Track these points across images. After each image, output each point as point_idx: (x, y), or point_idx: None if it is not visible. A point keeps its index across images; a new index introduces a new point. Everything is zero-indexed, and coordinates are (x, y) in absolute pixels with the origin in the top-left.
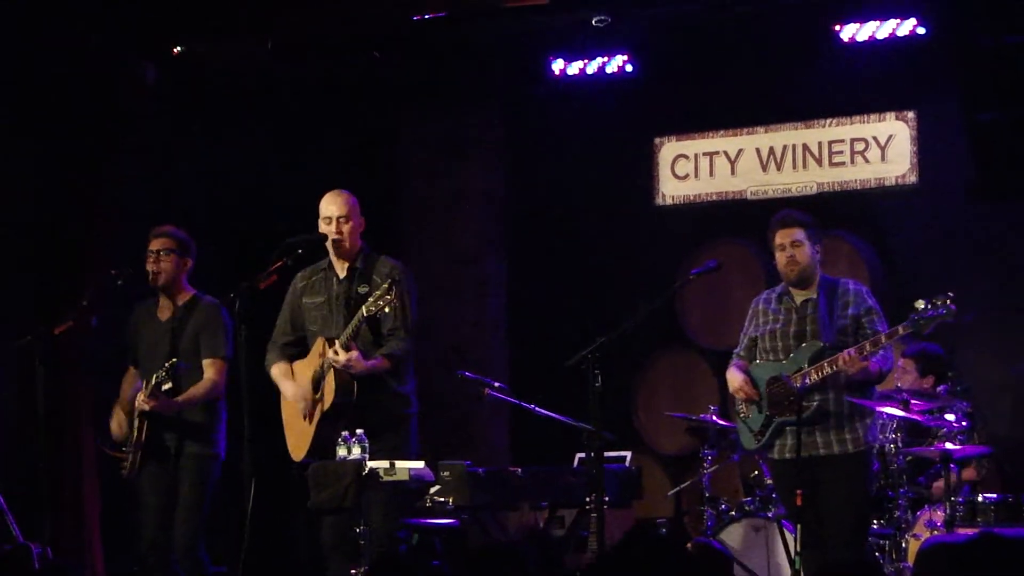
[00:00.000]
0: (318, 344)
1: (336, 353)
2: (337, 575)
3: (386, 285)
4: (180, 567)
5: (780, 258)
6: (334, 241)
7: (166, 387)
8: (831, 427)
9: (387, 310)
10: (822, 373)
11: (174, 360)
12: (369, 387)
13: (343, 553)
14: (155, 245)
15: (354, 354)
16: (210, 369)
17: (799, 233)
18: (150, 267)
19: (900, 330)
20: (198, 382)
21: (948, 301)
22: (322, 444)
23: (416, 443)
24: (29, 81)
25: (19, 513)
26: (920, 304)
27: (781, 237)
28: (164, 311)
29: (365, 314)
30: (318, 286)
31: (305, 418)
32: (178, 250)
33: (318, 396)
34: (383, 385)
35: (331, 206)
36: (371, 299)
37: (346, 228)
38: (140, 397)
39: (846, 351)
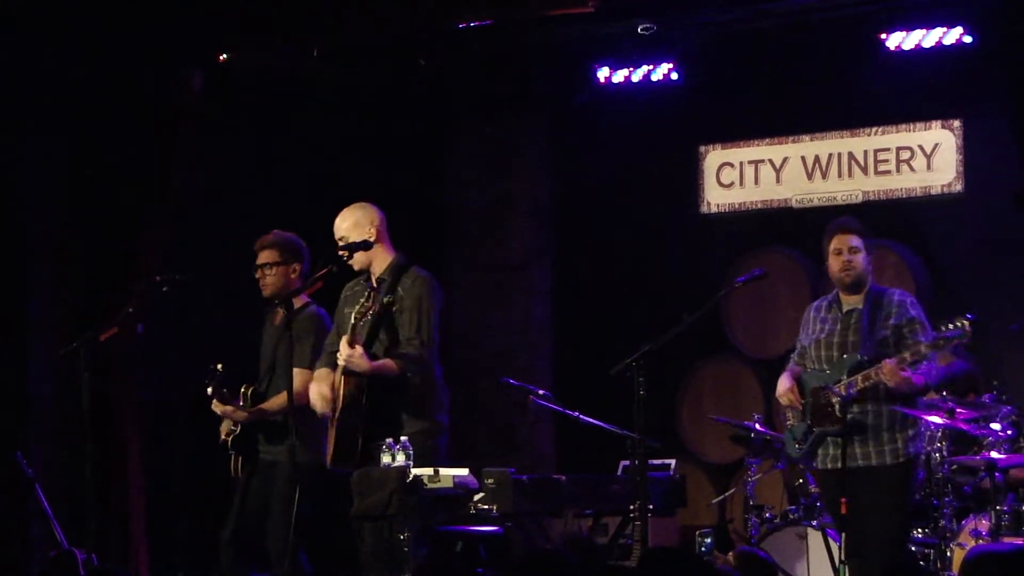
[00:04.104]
0: None
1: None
2: None
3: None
4: (276, 572)
5: (835, 263)
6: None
7: (208, 391)
8: (869, 439)
9: (368, 316)
10: (868, 382)
11: (219, 365)
12: (386, 414)
13: (384, 560)
14: (260, 259)
15: (358, 350)
16: (291, 379)
17: (857, 240)
18: (258, 277)
19: (923, 349)
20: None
21: (966, 324)
22: (342, 452)
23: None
24: (77, 88)
25: (64, 519)
26: (942, 326)
27: (839, 242)
28: (278, 316)
29: (352, 320)
30: (358, 296)
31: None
32: (282, 261)
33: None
34: (404, 418)
35: (336, 225)
36: (358, 306)
37: (350, 243)
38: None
39: (886, 361)
